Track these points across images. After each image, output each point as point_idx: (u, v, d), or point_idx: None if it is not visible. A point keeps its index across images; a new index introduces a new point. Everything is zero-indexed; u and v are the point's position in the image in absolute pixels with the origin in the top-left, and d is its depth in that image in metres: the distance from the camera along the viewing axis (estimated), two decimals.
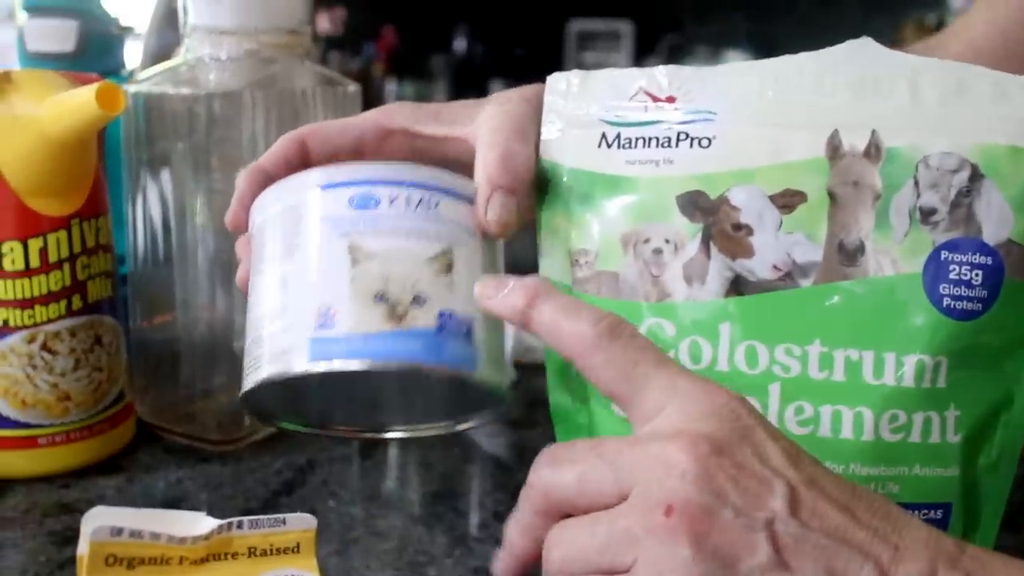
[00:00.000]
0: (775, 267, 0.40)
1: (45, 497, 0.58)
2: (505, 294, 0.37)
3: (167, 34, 0.84)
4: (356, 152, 0.48)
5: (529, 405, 0.77)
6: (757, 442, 0.33)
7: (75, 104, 0.53)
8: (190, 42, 0.64)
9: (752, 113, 0.41)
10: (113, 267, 0.62)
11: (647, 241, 0.42)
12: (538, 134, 0.44)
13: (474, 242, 0.41)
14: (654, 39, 4.31)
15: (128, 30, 0.89)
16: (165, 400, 0.67)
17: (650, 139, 0.42)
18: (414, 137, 0.48)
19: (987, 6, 0.61)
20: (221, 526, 0.37)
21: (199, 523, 0.37)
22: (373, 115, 0.49)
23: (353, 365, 0.38)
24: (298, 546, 0.38)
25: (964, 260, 0.39)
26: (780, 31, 3.91)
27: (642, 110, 0.43)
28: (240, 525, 0.37)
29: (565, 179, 0.43)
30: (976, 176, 0.39)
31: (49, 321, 0.58)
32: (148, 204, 0.65)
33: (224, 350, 0.65)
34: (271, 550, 0.37)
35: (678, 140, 0.42)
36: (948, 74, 0.41)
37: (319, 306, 0.39)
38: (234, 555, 0.37)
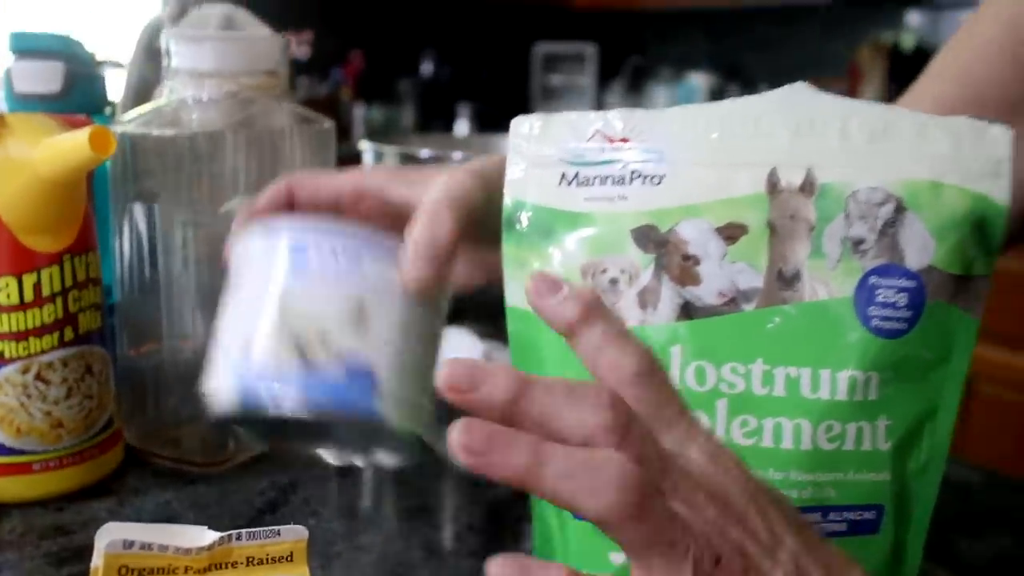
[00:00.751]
0: (721, 294, 0.44)
1: (41, 520, 0.61)
2: (560, 300, 0.36)
3: (148, 68, 0.88)
4: (335, 205, 0.53)
5: None
6: (762, 505, 0.34)
7: (69, 147, 0.57)
8: (173, 84, 0.68)
9: (698, 153, 0.45)
10: (102, 299, 0.66)
11: (604, 271, 0.45)
12: (475, 203, 0.49)
13: (394, 296, 0.46)
14: (618, 61, 4.37)
15: (109, 63, 0.92)
16: (151, 425, 0.70)
17: (606, 178, 0.46)
18: (385, 199, 0.52)
19: (931, 82, 0.65)
20: (222, 538, 0.40)
21: (202, 535, 0.40)
22: (353, 176, 0.53)
23: (259, 398, 0.43)
24: (291, 555, 0.41)
25: (890, 284, 0.43)
26: (740, 52, 3.97)
27: (598, 151, 0.46)
28: (239, 537, 0.41)
29: (529, 214, 0.47)
30: (900, 208, 0.43)
31: (43, 352, 0.61)
32: (134, 237, 0.69)
33: (194, 381, 0.68)
34: (267, 559, 0.41)
35: (631, 178, 0.46)
36: (875, 116, 0.45)
37: (244, 338, 0.45)
38: (234, 564, 0.40)
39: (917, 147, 0.44)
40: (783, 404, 0.43)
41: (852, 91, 3.35)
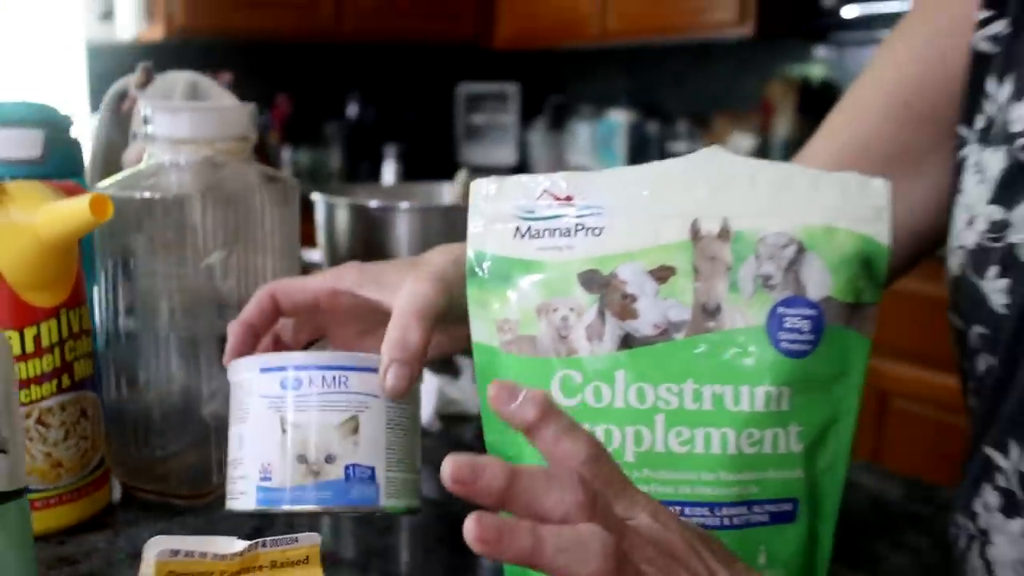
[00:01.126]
0: (655, 325, 0.52)
1: (45, 553, 0.67)
2: (518, 405, 0.42)
3: (114, 131, 0.94)
4: (313, 306, 0.63)
5: (453, 449, 0.87)
6: (698, 549, 0.42)
7: (70, 212, 0.63)
8: (152, 149, 0.74)
9: (632, 207, 0.54)
10: (93, 348, 0.72)
11: (556, 310, 0.53)
12: (439, 307, 0.58)
13: (379, 403, 0.56)
14: (540, 99, 4.48)
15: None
16: (137, 463, 0.76)
17: (554, 230, 0.54)
18: (357, 298, 0.60)
19: (825, 139, 0.74)
20: (250, 545, 0.47)
21: (232, 544, 0.47)
22: (328, 278, 0.63)
23: (283, 508, 0.54)
24: (307, 558, 0.48)
25: (795, 313, 0.52)
26: (658, 89, 4.11)
27: (547, 207, 0.54)
28: (263, 544, 0.48)
29: (489, 263, 0.55)
30: (801, 250, 0.52)
31: (43, 399, 0.67)
32: (115, 291, 0.75)
33: (189, 415, 0.75)
34: (287, 562, 0.48)
35: (576, 230, 0.54)
36: (777, 172, 0.54)
37: (261, 463, 0.55)
38: (260, 567, 0.47)
39: (813, 198, 0.53)
40: (711, 416, 0.51)
41: (765, 123, 3.49)
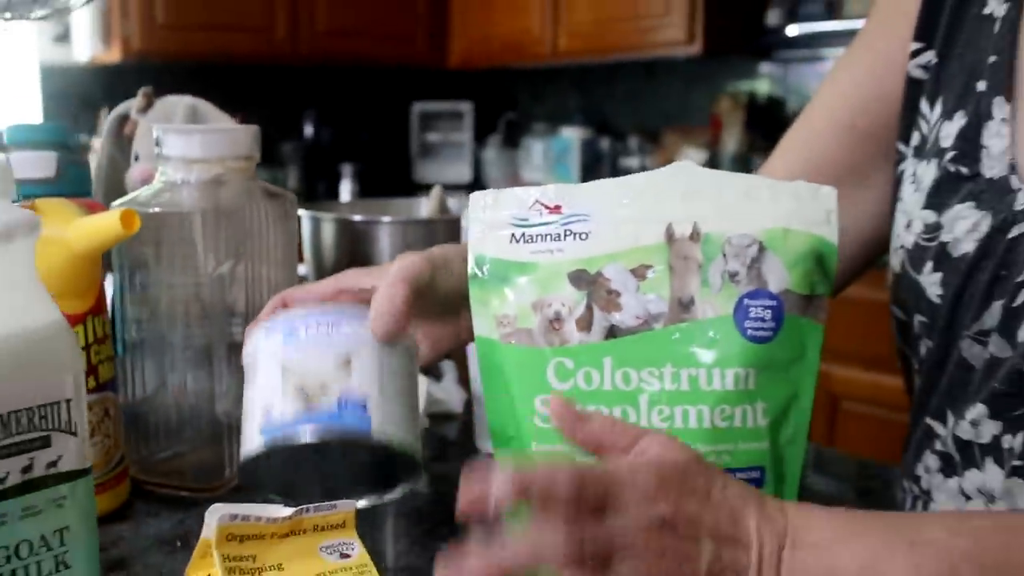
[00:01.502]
0: (637, 317, 0.60)
1: None
2: (502, 485, 0.46)
3: (116, 152, 1.00)
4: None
5: (440, 443, 0.95)
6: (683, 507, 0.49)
7: (102, 225, 0.69)
8: (164, 168, 0.81)
9: (614, 214, 0.61)
10: (113, 352, 0.78)
11: (549, 306, 0.61)
12: (423, 276, 0.65)
13: (371, 347, 0.62)
14: (494, 117, 4.56)
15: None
16: (152, 460, 0.82)
17: (545, 235, 0.61)
18: (360, 292, 0.67)
19: (780, 155, 0.83)
20: (295, 511, 0.54)
21: (281, 511, 0.54)
22: (331, 281, 0.70)
23: (283, 441, 0.58)
24: (344, 522, 0.55)
25: (759, 304, 0.59)
26: (609, 106, 4.21)
27: (539, 215, 0.62)
28: (307, 510, 0.54)
29: (488, 266, 0.62)
30: (762, 249, 0.60)
31: None
32: (133, 299, 0.81)
33: (202, 414, 0.81)
34: (327, 526, 0.54)
35: (564, 235, 0.61)
36: (740, 183, 0.61)
37: (263, 405, 0.60)
38: (304, 531, 0.54)
39: (771, 204, 0.61)
40: (688, 396, 0.59)
41: (714, 138, 3.60)
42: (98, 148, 1.02)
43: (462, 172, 4.56)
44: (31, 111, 3.81)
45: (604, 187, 0.62)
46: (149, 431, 0.82)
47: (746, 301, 0.60)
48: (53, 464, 0.51)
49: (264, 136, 0.87)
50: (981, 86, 0.66)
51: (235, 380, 0.76)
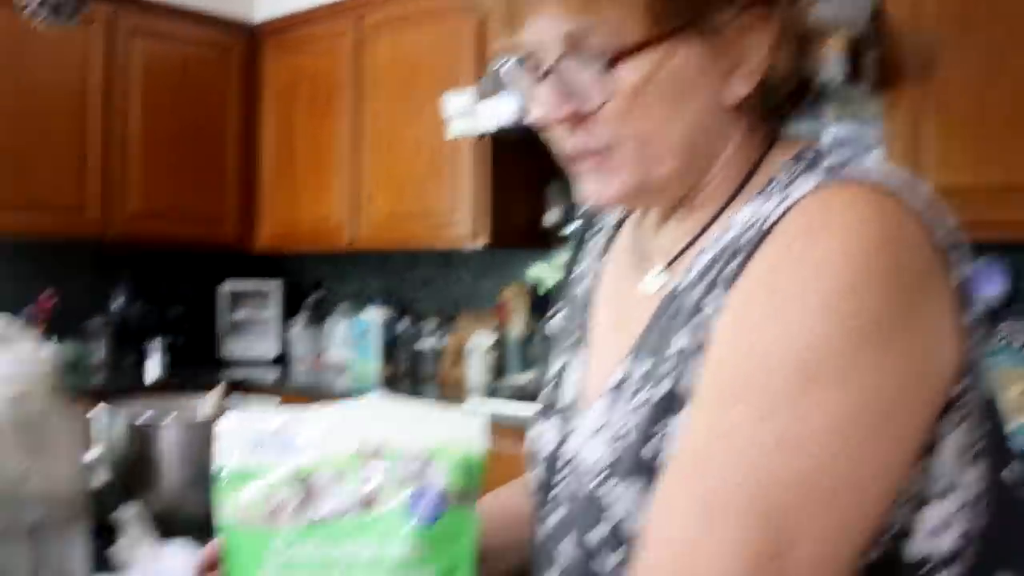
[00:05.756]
0: (334, 509, 0.83)
1: None
2: None
3: None
4: None
5: None
6: None
7: None
8: None
9: (324, 434, 0.85)
10: None
11: (272, 499, 0.83)
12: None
13: None
14: (300, 297, 4.78)
15: None
16: None
17: (274, 448, 0.84)
18: None
19: None
20: None
21: None
22: None
23: None
24: None
25: (427, 496, 0.83)
26: (408, 290, 4.50)
27: (271, 434, 0.85)
28: None
29: (230, 472, 0.84)
30: (429, 458, 0.84)
31: None
32: None
33: None
34: None
35: (287, 449, 0.84)
36: (416, 410, 0.86)
37: None
38: None
39: (437, 426, 0.86)
40: (372, 564, 0.81)
41: (502, 322, 3.92)
42: None
43: (269, 348, 4.74)
44: None
45: (320, 414, 0.86)
46: None
47: (416, 495, 0.83)
48: None
49: (72, 310, 1.08)
50: (571, 340, 0.95)
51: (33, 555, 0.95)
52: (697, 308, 0.77)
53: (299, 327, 4.69)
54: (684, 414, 0.75)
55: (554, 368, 0.96)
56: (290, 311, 4.75)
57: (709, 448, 0.70)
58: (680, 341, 0.77)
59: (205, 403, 1.40)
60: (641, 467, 0.76)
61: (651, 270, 0.87)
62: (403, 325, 4.32)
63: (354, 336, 4.37)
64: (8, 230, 3.96)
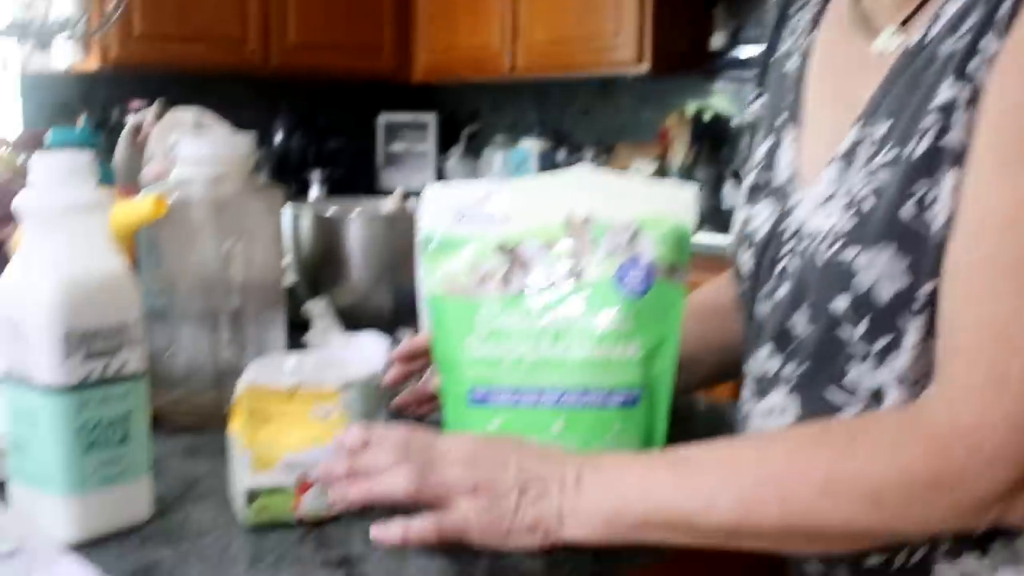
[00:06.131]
0: (546, 279, 0.81)
1: None
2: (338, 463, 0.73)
3: (132, 155, 1.20)
4: None
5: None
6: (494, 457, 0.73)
7: (137, 208, 0.90)
8: (181, 166, 1.01)
9: (530, 204, 0.82)
10: None
11: (480, 269, 0.82)
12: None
13: None
14: (456, 129, 4.78)
15: None
16: (166, 400, 1.02)
17: (480, 218, 0.83)
18: None
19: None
20: (296, 383, 0.76)
21: (287, 381, 0.76)
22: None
23: None
24: (332, 394, 0.77)
25: (634, 269, 0.81)
26: (566, 120, 4.44)
27: (476, 203, 0.83)
28: (304, 384, 0.76)
29: (437, 241, 0.83)
30: (638, 230, 0.81)
31: None
32: (150, 274, 1.01)
33: (204, 366, 1.01)
34: (319, 395, 0.76)
35: (494, 219, 0.83)
36: (624, 182, 0.83)
37: None
38: (301, 396, 0.76)
39: (647, 198, 0.83)
40: (580, 334, 0.80)
41: (663, 153, 3.84)
42: None
43: (425, 181, 4.76)
44: (11, 118, 3.98)
45: (524, 184, 0.84)
46: (165, 377, 1.02)
47: (625, 267, 0.81)
48: (121, 367, 0.72)
49: None
50: (779, 120, 0.89)
51: (234, 339, 0.97)
52: (965, 55, 0.70)
53: (455, 159, 4.70)
54: (952, 174, 0.70)
55: (761, 151, 0.91)
56: (446, 143, 4.76)
57: (1016, 213, 0.66)
58: (944, 94, 0.71)
59: (387, 202, 1.40)
60: (893, 231, 0.72)
61: (881, 32, 0.81)
62: (560, 156, 4.28)
63: (510, 167, 4.36)
64: (172, 63, 4.03)
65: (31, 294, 0.69)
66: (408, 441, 0.72)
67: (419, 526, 0.70)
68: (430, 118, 4.78)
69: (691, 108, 3.84)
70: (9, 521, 0.73)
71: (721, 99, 3.84)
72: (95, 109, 3.88)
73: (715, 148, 3.70)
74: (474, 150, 4.68)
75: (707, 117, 3.74)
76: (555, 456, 0.73)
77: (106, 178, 1.08)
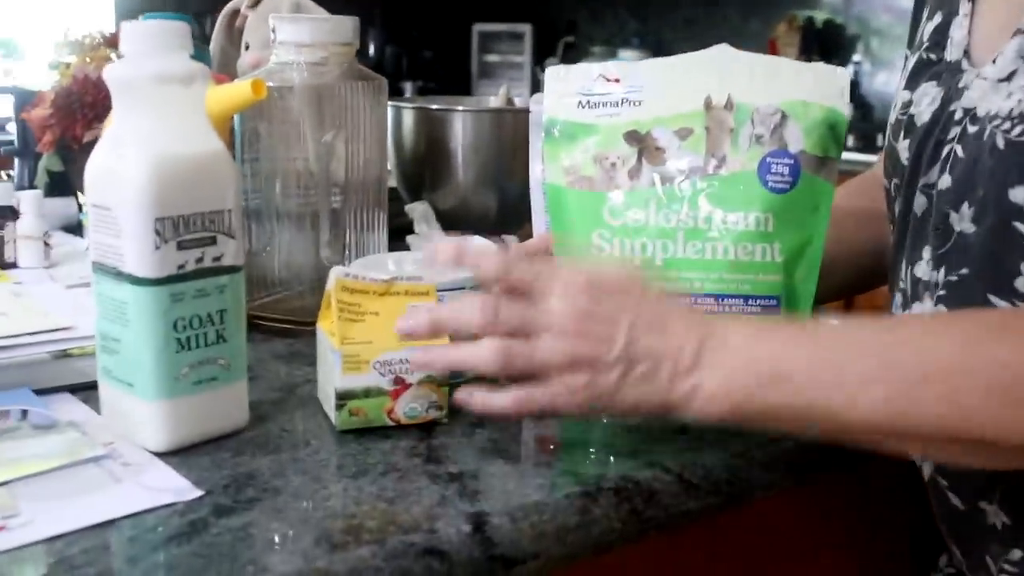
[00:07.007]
0: (678, 170, 0.73)
1: None
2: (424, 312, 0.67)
3: (226, 42, 1.13)
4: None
5: None
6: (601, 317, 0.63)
7: (236, 91, 0.83)
8: (279, 52, 0.94)
9: (662, 87, 0.74)
10: None
11: (607, 159, 0.74)
12: None
13: None
14: (552, 40, 4.65)
15: None
16: (265, 301, 0.97)
17: (606, 103, 0.74)
18: None
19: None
20: (391, 277, 0.69)
21: (381, 275, 0.69)
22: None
23: None
24: (428, 292, 0.71)
25: (779, 161, 0.72)
26: (666, 30, 4.28)
27: (601, 86, 0.75)
28: (400, 279, 0.70)
29: (559, 127, 0.75)
30: (784, 117, 0.72)
31: None
32: (248, 168, 0.95)
33: (304, 265, 0.95)
34: (415, 292, 0.70)
35: (621, 103, 0.74)
36: (768, 62, 0.74)
37: None
38: (396, 292, 0.69)
39: (794, 81, 0.73)
40: (717, 233, 0.72)
41: None
42: None
43: (520, 92, 4.66)
44: (103, 11, 3.96)
45: (655, 64, 0.75)
46: (261, 279, 0.97)
47: (768, 159, 0.72)
48: (217, 259, 0.65)
49: None
50: None
51: (333, 240, 0.91)
52: None
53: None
54: None
55: (928, 28, 0.80)
56: (542, 54, 4.64)
57: None
58: None
59: (493, 99, 1.32)
60: None
61: None
62: None
63: None
64: None
65: (119, 173, 0.63)
66: (498, 303, 0.63)
67: (500, 403, 0.64)
68: (526, 28, 4.66)
69: (801, 15, 3.67)
70: (97, 425, 0.69)
71: (832, 3, 3.65)
72: (189, 5, 3.85)
73: (828, 57, 3.52)
74: (571, 62, 4.54)
75: (819, 23, 3.56)
76: (677, 325, 0.63)
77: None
